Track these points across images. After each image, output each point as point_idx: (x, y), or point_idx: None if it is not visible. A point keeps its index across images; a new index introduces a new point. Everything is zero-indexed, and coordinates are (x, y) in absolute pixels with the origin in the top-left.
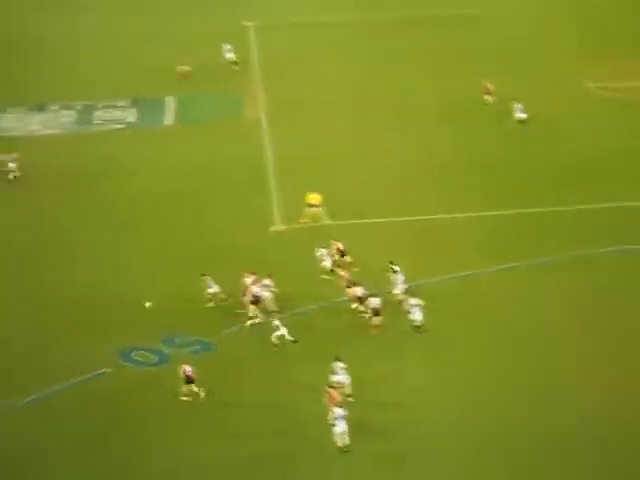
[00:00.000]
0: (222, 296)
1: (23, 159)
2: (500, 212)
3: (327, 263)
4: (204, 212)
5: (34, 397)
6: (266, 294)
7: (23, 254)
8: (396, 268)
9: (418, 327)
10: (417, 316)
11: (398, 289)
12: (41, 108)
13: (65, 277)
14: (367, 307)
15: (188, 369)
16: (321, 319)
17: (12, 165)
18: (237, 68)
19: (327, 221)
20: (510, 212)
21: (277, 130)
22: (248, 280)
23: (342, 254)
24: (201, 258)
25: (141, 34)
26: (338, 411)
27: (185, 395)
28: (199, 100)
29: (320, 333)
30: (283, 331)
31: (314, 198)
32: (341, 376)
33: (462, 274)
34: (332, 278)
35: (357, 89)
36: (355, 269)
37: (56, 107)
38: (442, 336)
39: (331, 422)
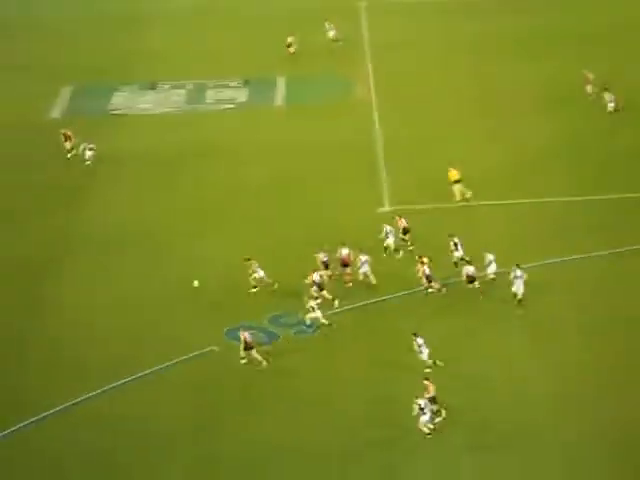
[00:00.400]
0: (268, 281)
1: (134, 137)
2: (611, 196)
3: (390, 240)
4: (312, 192)
5: (147, 372)
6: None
7: (134, 236)
8: (490, 257)
9: (520, 300)
10: (520, 288)
11: (491, 269)
12: (152, 87)
13: (176, 256)
14: (463, 275)
15: (247, 335)
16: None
17: (90, 153)
18: (341, 43)
19: (469, 194)
20: (621, 196)
21: (387, 111)
22: (344, 251)
23: (405, 231)
24: (307, 238)
25: (254, 11)
26: (425, 402)
27: (242, 358)
28: (310, 80)
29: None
30: (318, 314)
31: (455, 174)
32: (423, 352)
33: (573, 257)
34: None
35: (465, 71)
36: (412, 247)
37: (167, 86)
38: (547, 315)
39: (416, 411)
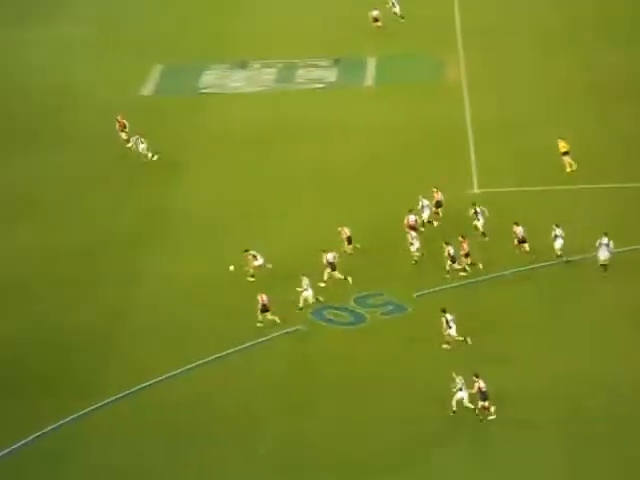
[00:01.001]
0: (268, 266)
1: (224, 116)
2: None
3: (425, 215)
4: (400, 173)
5: (238, 348)
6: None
7: (224, 212)
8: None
9: (604, 266)
10: (604, 255)
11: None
12: (243, 65)
13: (263, 234)
14: (516, 235)
15: (265, 298)
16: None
17: (142, 146)
18: (403, 21)
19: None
20: None
21: (478, 93)
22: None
23: (438, 205)
24: (395, 221)
25: None
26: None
27: (260, 322)
28: (400, 61)
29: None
30: (308, 294)
31: (563, 145)
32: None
33: None
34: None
35: (561, 55)
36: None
37: (258, 65)
38: None
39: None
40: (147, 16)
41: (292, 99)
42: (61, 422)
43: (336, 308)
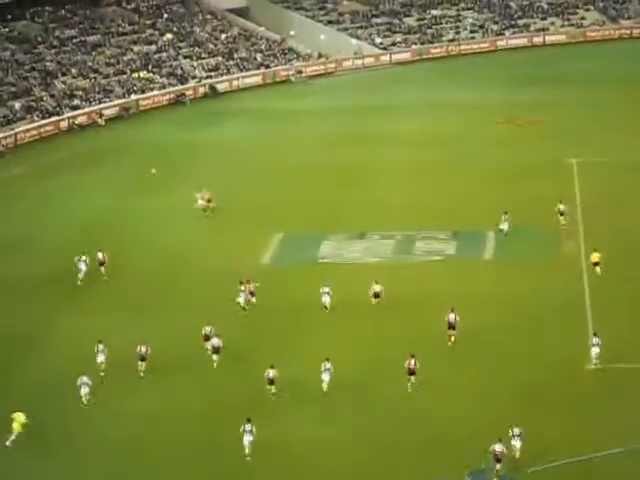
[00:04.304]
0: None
1: (340, 286)
2: None
3: None
4: (513, 347)
5: None
6: None
7: None
8: None
9: None
10: None
11: None
12: (362, 236)
13: None
14: None
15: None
16: None
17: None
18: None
19: None
20: None
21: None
22: None
23: None
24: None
25: (472, 167)
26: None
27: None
28: (519, 236)
29: None
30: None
31: None
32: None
33: None
34: None
35: None
36: None
37: (377, 236)
38: None
39: None
40: (268, 187)
41: (410, 270)
42: None
43: None
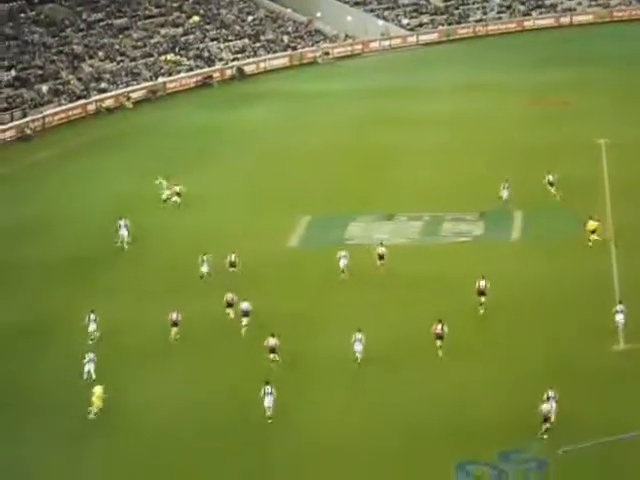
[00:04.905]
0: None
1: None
2: None
3: None
4: (541, 327)
5: None
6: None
7: None
8: None
9: None
10: None
11: None
12: (390, 218)
13: None
14: None
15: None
16: None
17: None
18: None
19: None
20: None
21: (627, 251)
22: None
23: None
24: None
25: (496, 147)
26: None
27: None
28: (546, 216)
29: None
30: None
31: None
32: None
33: None
34: None
35: None
36: None
37: (404, 217)
38: None
39: None
40: (295, 170)
41: (437, 251)
42: None
43: (480, 464)
